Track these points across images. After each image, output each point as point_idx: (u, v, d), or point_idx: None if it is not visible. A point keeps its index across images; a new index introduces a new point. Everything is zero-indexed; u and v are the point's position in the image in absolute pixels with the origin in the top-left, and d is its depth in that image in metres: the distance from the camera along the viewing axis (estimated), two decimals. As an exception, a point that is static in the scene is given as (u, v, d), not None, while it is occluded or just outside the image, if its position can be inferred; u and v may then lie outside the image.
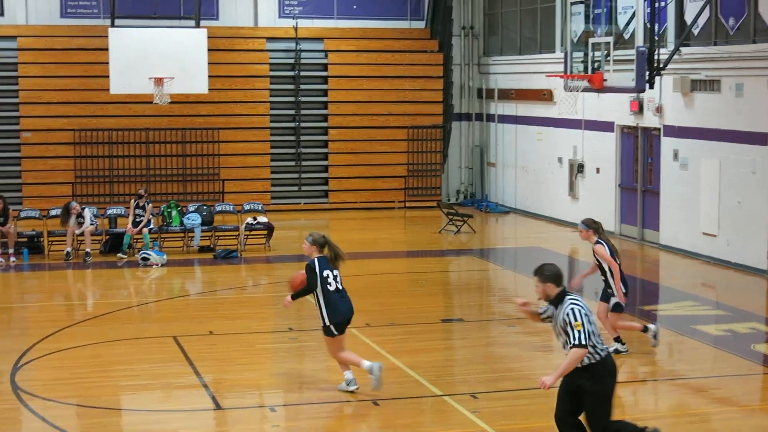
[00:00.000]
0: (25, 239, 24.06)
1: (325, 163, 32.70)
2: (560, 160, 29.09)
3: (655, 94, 24.26)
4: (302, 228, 29.34)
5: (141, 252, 23.28)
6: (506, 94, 32.52)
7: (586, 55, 23.95)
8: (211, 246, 24.51)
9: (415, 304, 19.03)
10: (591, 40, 22.95)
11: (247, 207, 25.78)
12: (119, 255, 23.73)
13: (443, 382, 13.84)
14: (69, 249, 23.41)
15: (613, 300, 14.93)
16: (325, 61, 32.69)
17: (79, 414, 12.79)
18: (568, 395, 10.18)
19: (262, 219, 25.08)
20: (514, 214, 31.37)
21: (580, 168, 28.04)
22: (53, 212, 24.85)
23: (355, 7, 33.23)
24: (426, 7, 33.73)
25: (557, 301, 10.10)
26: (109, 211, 25.27)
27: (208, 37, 26.96)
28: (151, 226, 24.18)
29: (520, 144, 31.68)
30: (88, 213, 23.75)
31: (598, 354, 9.99)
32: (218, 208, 25.83)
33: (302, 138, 32.50)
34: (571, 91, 23.85)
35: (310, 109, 32.65)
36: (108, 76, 26.50)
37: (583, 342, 9.82)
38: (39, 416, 12.62)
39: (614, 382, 10.17)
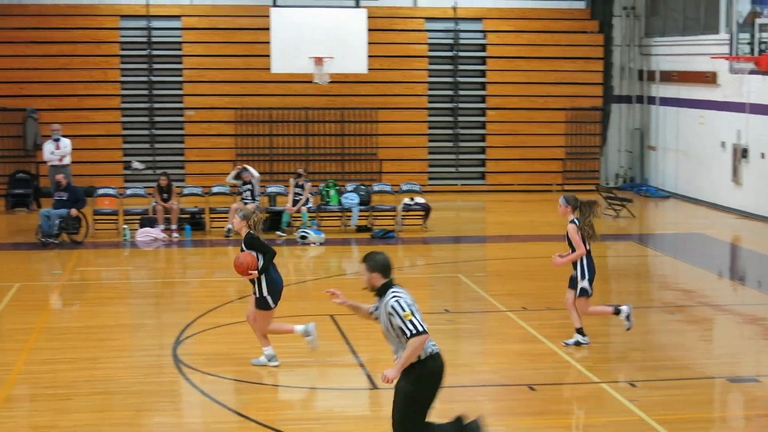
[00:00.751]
0: (188, 215, 24.57)
1: (482, 144, 32.56)
2: (723, 144, 28.37)
3: (826, 78, 23.49)
4: (459, 209, 29.33)
5: (299, 230, 23.55)
6: (668, 76, 31.85)
7: (752, 36, 23.35)
8: (369, 226, 24.65)
9: (572, 288, 18.75)
10: (758, 21, 22.38)
11: (404, 187, 25.90)
12: (278, 233, 24.07)
13: (601, 369, 13.66)
14: (230, 225, 23.81)
15: (581, 285, 14.57)
16: (483, 41, 32.51)
17: (236, 389, 13.02)
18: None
19: (420, 199, 25.13)
20: (674, 199, 30.75)
21: (744, 153, 27.32)
22: (215, 189, 25.36)
23: (514, -13, 32.99)
24: (587, -12, 33.32)
25: (381, 292, 9.36)
26: (269, 190, 25.63)
27: (368, 17, 27.07)
28: (310, 205, 24.44)
29: (682, 127, 31.00)
30: (255, 176, 24.05)
31: (423, 352, 9.29)
32: (376, 188, 26.02)
33: (460, 119, 32.42)
34: (736, 73, 23.33)
35: (468, 90, 32.53)
36: (269, 56, 26.84)
37: (420, 329, 9.09)
38: (198, 389, 12.89)
39: (435, 386, 9.38)
